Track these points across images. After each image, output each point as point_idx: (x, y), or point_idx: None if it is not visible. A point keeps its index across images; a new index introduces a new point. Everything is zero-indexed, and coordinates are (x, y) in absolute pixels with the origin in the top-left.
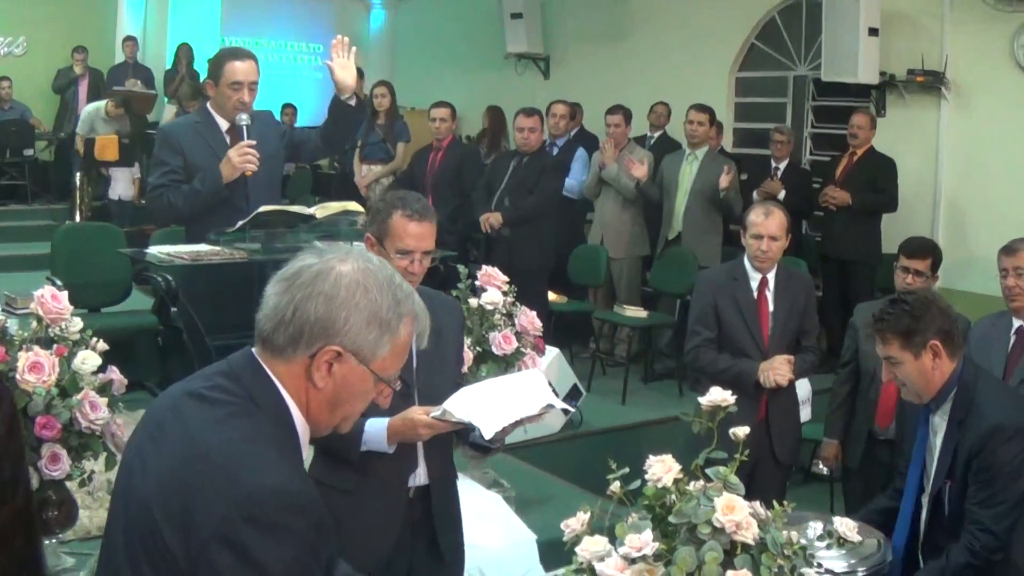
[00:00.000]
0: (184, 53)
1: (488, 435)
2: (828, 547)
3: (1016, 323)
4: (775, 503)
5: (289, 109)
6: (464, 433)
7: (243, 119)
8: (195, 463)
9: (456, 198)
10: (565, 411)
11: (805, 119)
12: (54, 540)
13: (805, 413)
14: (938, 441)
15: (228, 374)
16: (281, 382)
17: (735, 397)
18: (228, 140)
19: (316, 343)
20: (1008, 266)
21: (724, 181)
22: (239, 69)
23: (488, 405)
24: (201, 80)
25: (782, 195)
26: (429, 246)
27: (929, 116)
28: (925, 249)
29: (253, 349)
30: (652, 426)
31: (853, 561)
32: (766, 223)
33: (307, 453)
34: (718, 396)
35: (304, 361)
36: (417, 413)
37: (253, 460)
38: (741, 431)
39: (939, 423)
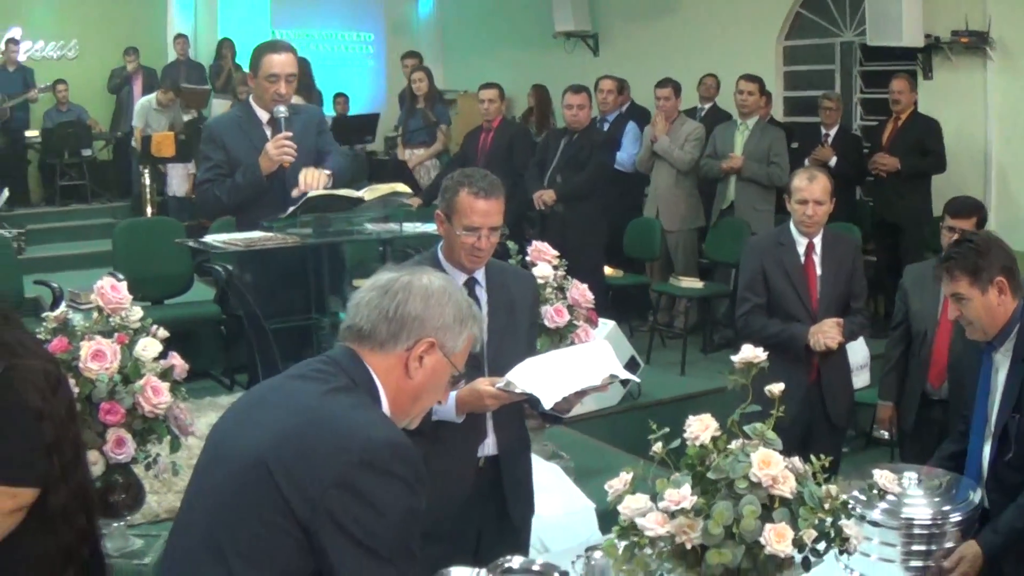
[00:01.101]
0: (227, 48)
1: (548, 405)
2: (920, 493)
3: None
4: (813, 458)
5: (341, 98)
6: (535, 403)
7: (281, 111)
8: (312, 422)
9: (508, 177)
10: (624, 382)
11: (854, 85)
12: (122, 523)
13: (863, 378)
14: (1001, 378)
15: (327, 361)
16: (375, 371)
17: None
18: (268, 133)
19: (415, 335)
20: None
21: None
22: (275, 62)
23: (551, 376)
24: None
25: (833, 161)
26: (496, 222)
27: (975, 77)
28: (970, 208)
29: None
30: (711, 395)
31: (947, 508)
32: (810, 188)
33: None
34: (750, 353)
35: (401, 354)
36: (483, 384)
37: (366, 418)
38: (776, 388)
39: (1001, 360)
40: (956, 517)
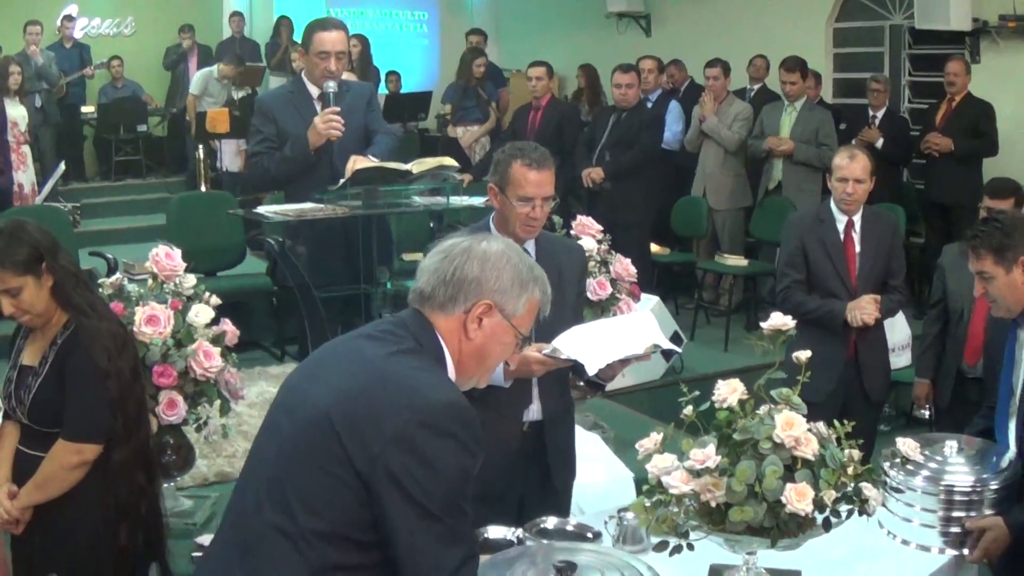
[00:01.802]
0: (285, 25)
1: (592, 371)
2: (959, 460)
3: None
4: (836, 423)
5: (393, 76)
6: (580, 370)
7: (330, 87)
8: (376, 381)
9: (556, 155)
10: (667, 355)
11: (902, 67)
12: (172, 483)
13: (905, 358)
14: None
15: (395, 322)
16: (440, 333)
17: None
18: (318, 108)
19: (472, 298)
20: None
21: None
22: (326, 39)
23: (596, 343)
24: None
25: (880, 143)
26: (549, 192)
27: (1023, 61)
28: (1008, 189)
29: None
30: (753, 371)
31: (986, 476)
32: (851, 166)
33: None
34: (779, 321)
35: (460, 316)
36: (530, 350)
37: (428, 379)
38: (803, 355)
39: None
40: (995, 484)
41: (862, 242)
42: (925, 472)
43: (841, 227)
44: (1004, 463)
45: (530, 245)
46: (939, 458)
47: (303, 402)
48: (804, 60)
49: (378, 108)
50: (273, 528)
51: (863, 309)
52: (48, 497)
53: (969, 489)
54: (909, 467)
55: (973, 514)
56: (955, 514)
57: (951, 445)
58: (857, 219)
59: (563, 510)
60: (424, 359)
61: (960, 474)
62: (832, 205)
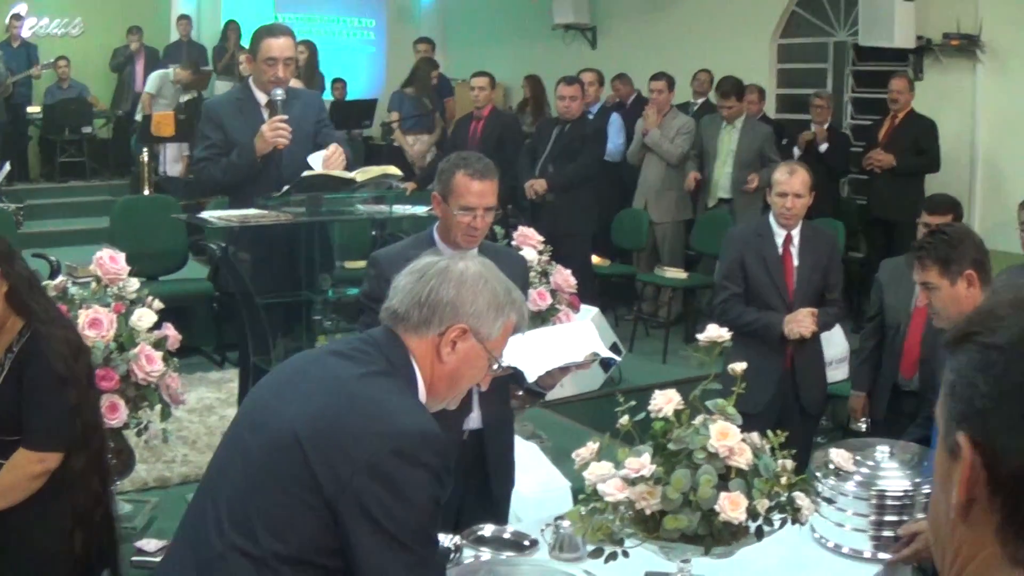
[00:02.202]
0: (232, 30)
1: (531, 379)
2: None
3: None
4: (770, 433)
5: (339, 84)
6: (520, 378)
7: (278, 94)
8: (348, 405)
9: (498, 166)
10: (606, 366)
11: (845, 84)
12: (112, 488)
13: (843, 371)
14: None
15: (367, 340)
16: (412, 354)
17: (731, 334)
18: (266, 115)
19: (447, 321)
20: None
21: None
22: (274, 45)
23: (535, 351)
24: None
25: (824, 147)
26: (491, 202)
27: (965, 79)
28: (946, 205)
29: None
30: (691, 383)
31: (918, 480)
32: (790, 181)
33: None
34: (714, 332)
35: (434, 339)
36: None
37: (401, 405)
38: (739, 366)
39: None
40: (927, 488)
41: (800, 256)
42: (857, 478)
43: (780, 241)
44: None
45: (472, 254)
46: (871, 463)
47: (271, 421)
48: (740, 81)
49: (330, 124)
50: (234, 550)
51: (800, 322)
52: (8, 505)
53: (901, 494)
54: (841, 473)
55: (906, 518)
56: (887, 518)
57: (882, 451)
58: (796, 233)
59: (501, 518)
60: (396, 381)
61: (892, 479)
62: (771, 219)
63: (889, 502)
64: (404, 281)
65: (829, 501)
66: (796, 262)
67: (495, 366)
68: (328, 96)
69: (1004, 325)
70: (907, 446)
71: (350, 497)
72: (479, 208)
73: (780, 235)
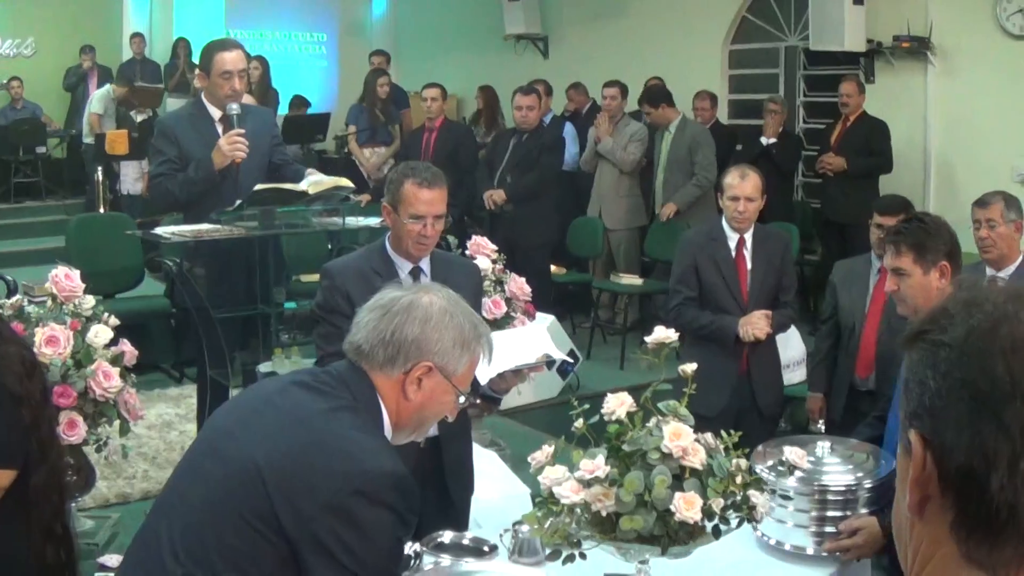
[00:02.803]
0: (182, 47)
1: (483, 381)
2: (834, 462)
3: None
4: (723, 432)
5: (299, 100)
6: (475, 384)
7: (233, 108)
8: (313, 442)
9: (452, 177)
10: (563, 373)
11: (797, 88)
12: (73, 504)
13: (800, 373)
14: None
15: (333, 375)
16: (378, 391)
17: (677, 335)
18: (220, 130)
19: (412, 359)
20: (980, 218)
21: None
22: (227, 59)
23: None
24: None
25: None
26: (440, 211)
27: (916, 81)
28: (896, 206)
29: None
30: (647, 388)
31: (860, 475)
32: (742, 185)
33: None
34: (662, 334)
35: (400, 377)
36: None
37: (367, 444)
38: (689, 367)
39: None
40: (868, 484)
41: (753, 259)
42: (799, 473)
43: (733, 244)
44: (880, 463)
45: (425, 264)
46: (812, 459)
47: (233, 451)
48: (660, 88)
49: (282, 143)
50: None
51: (755, 324)
52: None
53: (843, 488)
54: (781, 468)
55: (848, 514)
56: (829, 514)
57: (823, 446)
58: (748, 237)
59: (461, 525)
60: (361, 417)
61: (834, 474)
62: (724, 223)
63: (831, 497)
64: (368, 317)
65: (772, 493)
66: (749, 265)
67: (462, 399)
68: (283, 110)
69: (954, 323)
70: (847, 441)
71: (311, 534)
72: (428, 216)
73: (733, 238)
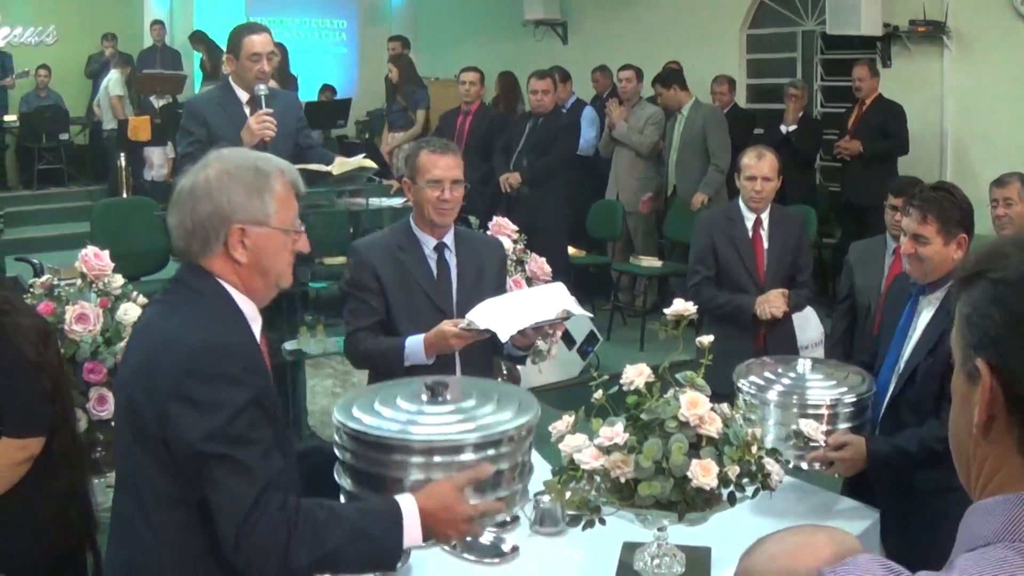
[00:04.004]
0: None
1: (504, 338)
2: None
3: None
4: (740, 401)
5: (327, 89)
6: (500, 346)
7: (261, 89)
8: (153, 346)
9: (486, 161)
10: (584, 354)
11: (814, 72)
12: (102, 479)
13: (817, 354)
14: (921, 322)
15: (175, 280)
16: (216, 273)
17: (696, 308)
18: (248, 111)
19: (221, 231)
20: (998, 196)
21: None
22: (256, 42)
23: (508, 313)
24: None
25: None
26: (457, 175)
27: (932, 65)
28: (913, 186)
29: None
30: (670, 368)
31: (843, 389)
32: (759, 165)
33: (258, 328)
34: (681, 306)
35: (222, 251)
36: (447, 325)
37: (192, 328)
38: (706, 339)
39: (926, 305)
40: (850, 399)
41: (770, 239)
42: (779, 387)
43: (750, 224)
44: (861, 381)
45: (450, 239)
46: (792, 375)
47: (118, 386)
48: (675, 71)
49: (308, 127)
50: (131, 512)
51: (771, 303)
52: None
53: (822, 403)
54: (761, 383)
55: (829, 428)
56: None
57: (804, 363)
58: (765, 217)
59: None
60: (200, 307)
61: (816, 389)
62: (741, 203)
63: (811, 411)
64: (170, 219)
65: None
66: (766, 245)
67: (301, 228)
68: (311, 99)
69: (1011, 263)
70: (829, 362)
71: (170, 428)
72: (446, 180)
73: (750, 219)
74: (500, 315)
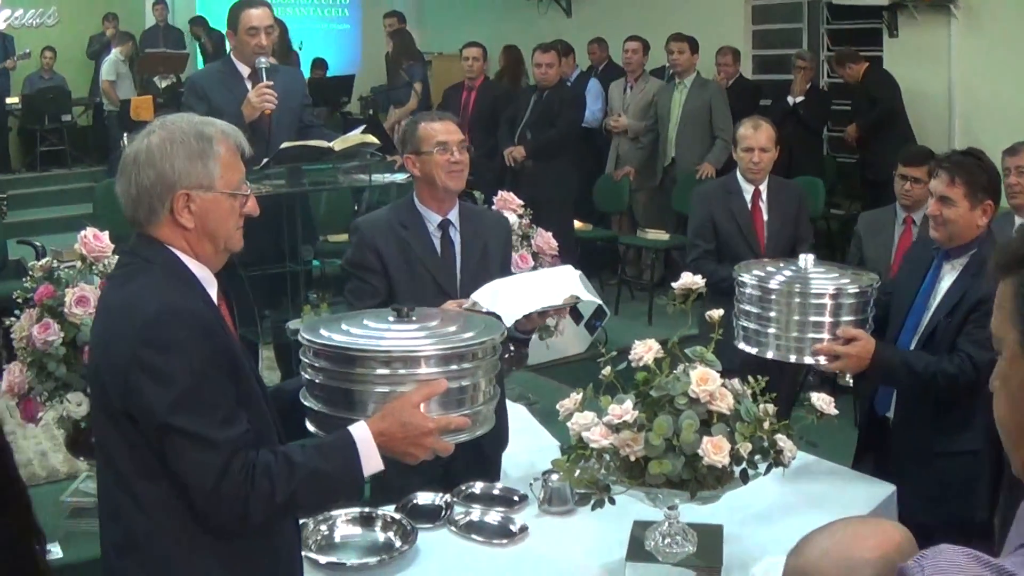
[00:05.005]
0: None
1: (508, 322)
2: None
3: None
4: (750, 378)
5: (320, 63)
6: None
7: (262, 62)
8: (109, 318)
9: (491, 136)
10: (591, 328)
11: (821, 42)
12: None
13: None
14: (944, 286)
15: (127, 251)
16: (165, 240)
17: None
18: (249, 86)
19: (165, 198)
20: (1011, 165)
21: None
22: (254, 16)
23: (514, 295)
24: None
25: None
26: (461, 138)
27: (940, 35)
28: (921, 156)
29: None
30: (679, 343)
31: (846, 280)
32: (755, 136)
33: (214, 291)
34: (689, 280)
35: (168, 218)
36: (451, 306)
37: (144, 297)
38: (716, 313)
39: (948, 270)
40: (853, 288)
41: (769, 210)
42: (780, 278)
43: (748, 196)
44: (863, 276)
45: (455, 216)
46: (794, 267)
47: (90, 364)
48: (693, 38)
49: (311, 105)
50: (110, 485)
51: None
52: None
53: (825, 292)
54: (762, 274)
55: (831, 320)
56: (812, 319)
57: (807, 258)
58: (764, 188)
59: (493, 478)
60: (151, 275)
61: (819, 280)
62: (739, 175)
63: (813, 301)
64: (117, 189)
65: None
66: (766, 216)
67: (247, 191)
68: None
69: None
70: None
71: (133, 402)
72: (452, 142)
73: (748, 190)
74: (506, 298)
